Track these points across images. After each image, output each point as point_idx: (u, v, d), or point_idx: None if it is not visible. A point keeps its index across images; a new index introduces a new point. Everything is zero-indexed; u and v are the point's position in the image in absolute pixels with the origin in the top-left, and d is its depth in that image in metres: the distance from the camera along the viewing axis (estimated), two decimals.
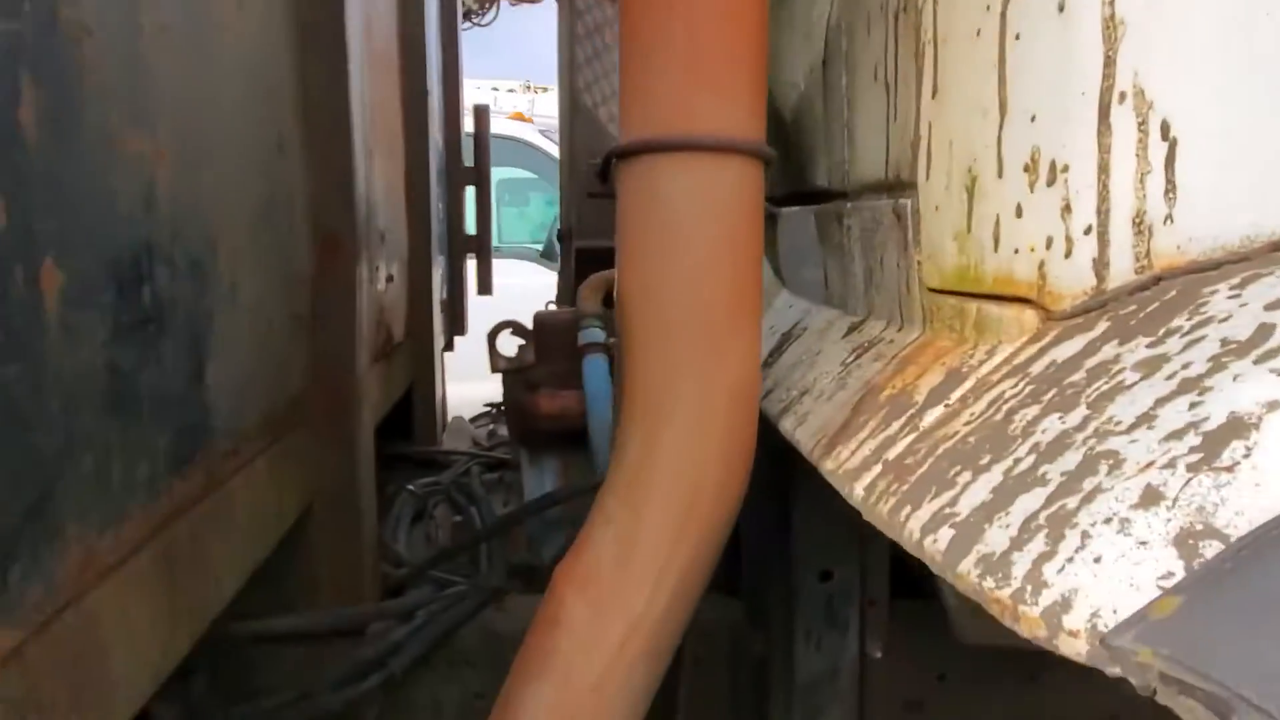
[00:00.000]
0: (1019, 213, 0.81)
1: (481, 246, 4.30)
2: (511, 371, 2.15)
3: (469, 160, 3.97)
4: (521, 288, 5.81)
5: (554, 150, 7.11)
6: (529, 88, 10.85)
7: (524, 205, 8.48)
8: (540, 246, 7.45)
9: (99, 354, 0.82)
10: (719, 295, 1.02)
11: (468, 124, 4.05)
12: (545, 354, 2.18)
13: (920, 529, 0.68)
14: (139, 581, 0.92)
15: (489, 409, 4.04)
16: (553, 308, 3.37)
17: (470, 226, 4.15)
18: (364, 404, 1.73)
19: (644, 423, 1.03)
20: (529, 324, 2.25)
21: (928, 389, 0.88)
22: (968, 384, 0.83)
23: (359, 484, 1.70)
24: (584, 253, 3.06)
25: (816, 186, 1.36)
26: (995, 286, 0.85)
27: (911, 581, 1.80)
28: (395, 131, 2.68)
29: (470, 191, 4.06)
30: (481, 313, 4.14)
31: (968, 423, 0.76)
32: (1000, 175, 0.83)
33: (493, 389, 4.45)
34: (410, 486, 2.51)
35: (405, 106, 2.82)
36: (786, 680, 1.77)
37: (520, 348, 2.25)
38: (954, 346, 0.92)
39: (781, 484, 1.71)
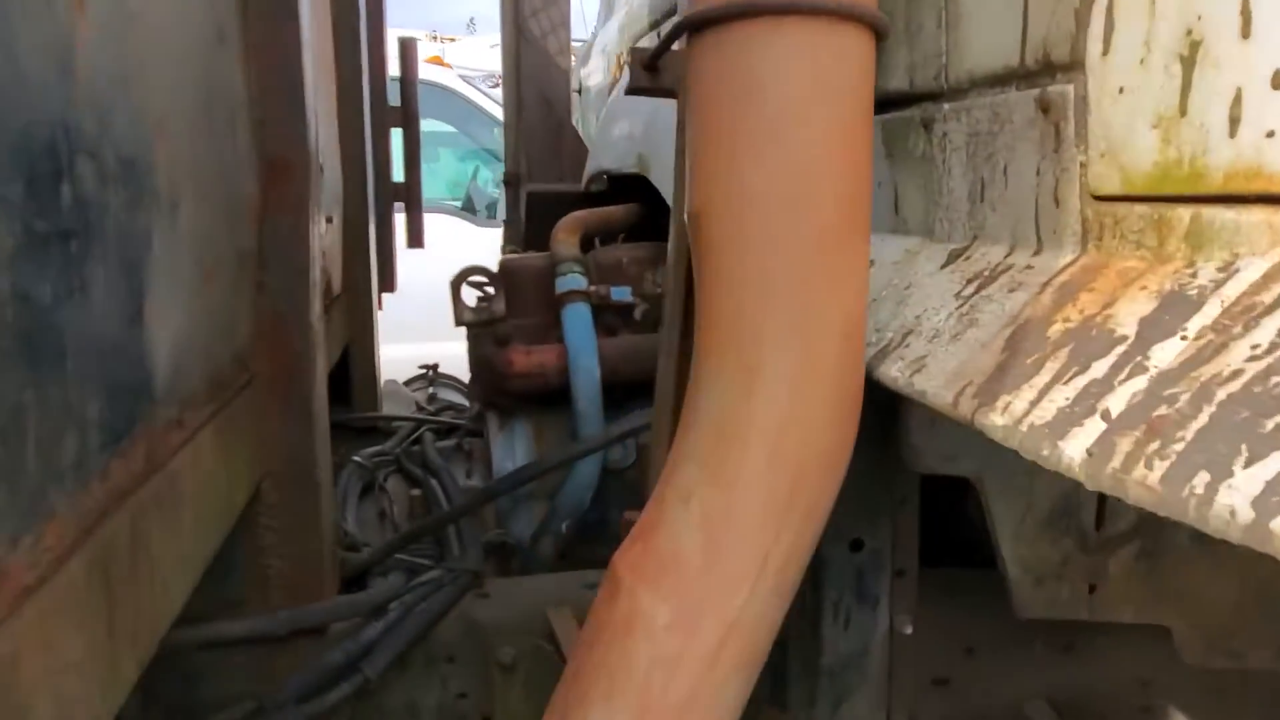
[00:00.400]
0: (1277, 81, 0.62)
1: (411, 195, 3.97)
2: (478, 325, 1.89)
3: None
4: (446, 243, 5.49)
5: (477, 97, 6.73)
6: (435, 38, 10.34)
7: (433, 161, 8.07)
8: (459, 202, 7.10)
9: (1, 275, 0.55)
10: (831, 201, 0.80)
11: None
12: (516, 305, 1.92)
13: (1253, 505, 0.48)
14: (68, 603, 0.65)
15: (425, 371, 3.74)
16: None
17: (398, 173, 3.82)
18: (318, 361, 1.45)
19: (733, 371, 0.81)
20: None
21: (1135, 319, 0.68)
22: (1211, 310, 0.63)
23: (315, 457, 1.43)
24: (537, 198, 2.79)
25: (885, 92, 1.15)
26: (1229, 184, 0.66)
27: (934, 549, 1.64)
28: (329, 62, 2.35)
29: (397, 135, 3.73)
30: (408, 269, 3.84)
31: (1253, 358, 0.56)
32: (1247, 34, 0.63)
33: (425, 350, 4.16)
34: (356, 457, 2.23)
35: (337, 36, 2.49)
36: (810, 662, 1.59)
37: (480, 299, 1.99)
38: (1150, 266, 0.72)
39: None
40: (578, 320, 1.83)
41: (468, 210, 6.93)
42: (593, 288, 1.89)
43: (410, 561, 1.79)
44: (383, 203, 3.68)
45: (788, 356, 0.80)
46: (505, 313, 1.92)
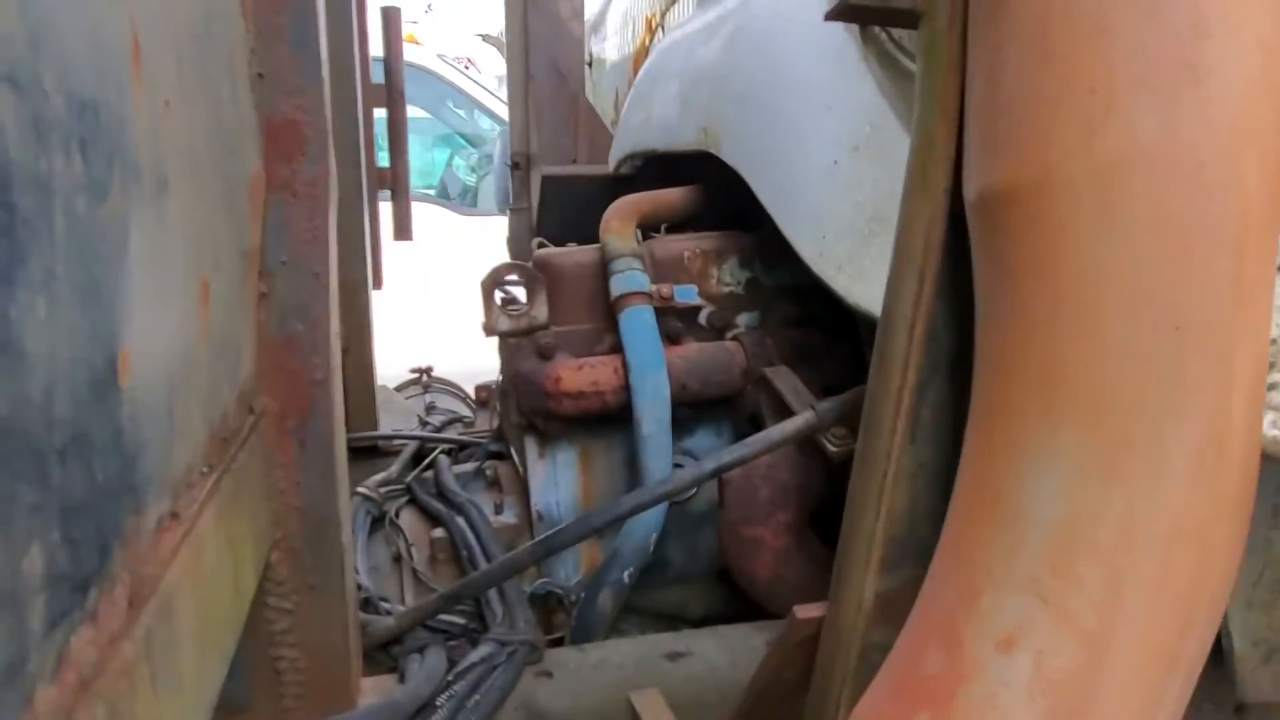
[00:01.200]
0: None
1: (398, 182, 3.60)
2: (517, 334, 1.57)
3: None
4: (426, 232, 5.12)
5: (456, 77, 6.36)
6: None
7: None
8: (432, 190, 6.72)
9: None
10: (1257, 167, 0.50)
11: None
12: (560, 309, 1.60)
13: None
14: None
15: (416, 375, 3.40)
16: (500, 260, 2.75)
17: (383, 158, 3.46)
18: (337, 390, 1.12)
19: (1087, 447, 0.50)
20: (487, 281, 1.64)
21: None
22: None
23: (337, 514, 1.10)
24: (554, 183, 2.46)
25: None
26: None
27: None
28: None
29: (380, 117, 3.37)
30: (392, 263, 3.49)
31: None
32: None
33: (415, 355, 3.81)
34: (361, 489, 1.89)
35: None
36: None
37: (507, 304, 1.66)
38: None
39: None
40: (641, 326, 1.51)
41: (443, 197, 6.56)
42: (654, 287, 1.57)
43: (442, 624, 1.46)
44: (370, 190, 3.33)
45: (1188, 426, 0.49)
46: (548, 319, 1.59)
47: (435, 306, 5.17)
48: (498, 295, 1.70)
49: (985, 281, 0.56)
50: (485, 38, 9.19)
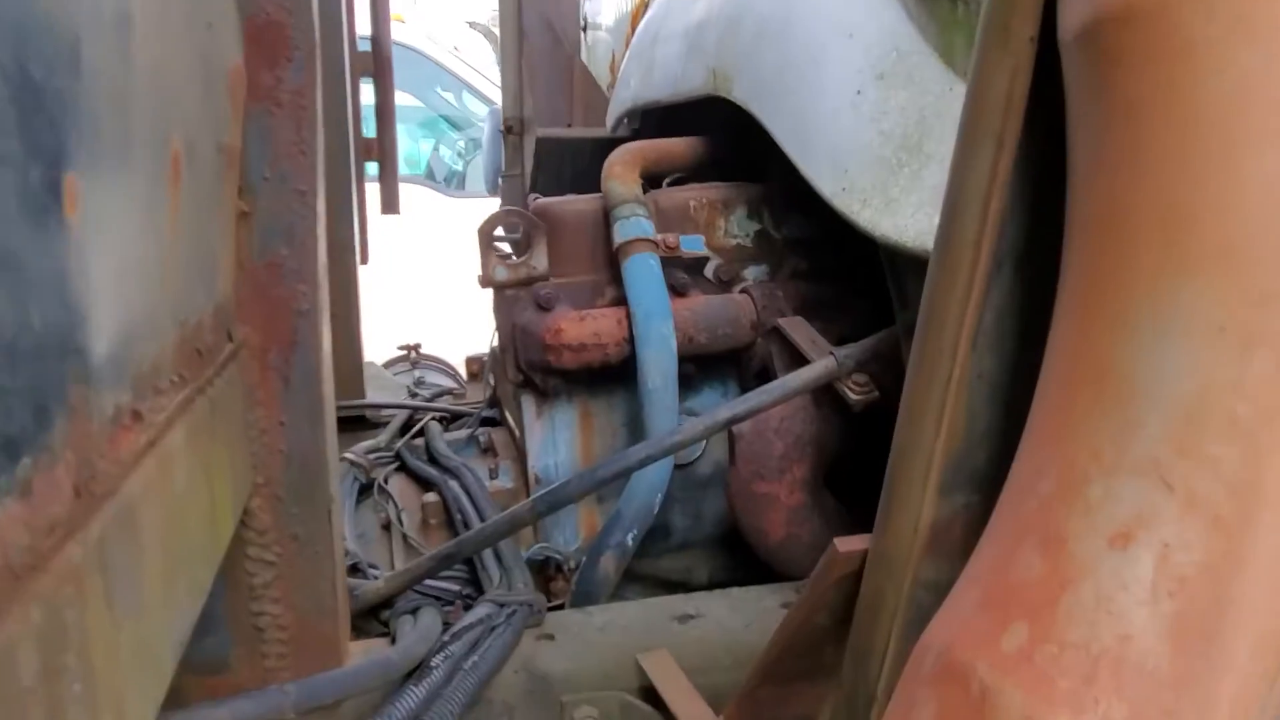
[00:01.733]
0: None
1: (385, 153, 3.51)
2: (515, 284, 1.48)
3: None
4: (414, 211, 5.02)
5: (445, 58, 6.25)
6: None
7: None
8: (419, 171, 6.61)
9: None
10: None
11: None
12: (560, 260, 1.52)
13: None
14: None
15: (405, 351, 3.30)
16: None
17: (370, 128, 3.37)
18: (325, 326, 1.04)
19: (1235, 280, 0.43)
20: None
21: None
22: None
23: (325, 460, 1.01)
24: (549, 145, 2.37)
25: None
26: None
27: None
28: None
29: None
30: (379, 241, 3.40)
31: None
32: None
33: (403, 333, 3.71)
34: (349, 454, 1.80)
35: None
36: None
37: (503, 257, 1.57)
38: None
39: None
40: (647, 275, 1.43)
41: (430, 178, 6.45)
42: (659, 236, 1.49)
43: (435, 590, 1.38)
44: (356, 161, 3.24)
45: None
46: (548, 269, 1.50)
47: (423, 285, 5.08)
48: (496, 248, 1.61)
49: (1090, 127, 0.48)
50: (474, 25, 9.09)
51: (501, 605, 1.22)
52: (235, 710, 0.87)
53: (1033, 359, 0.70)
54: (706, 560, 1.67)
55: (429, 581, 1.33)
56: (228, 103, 0.80)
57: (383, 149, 3.51)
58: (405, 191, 5.97)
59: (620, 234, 1.46)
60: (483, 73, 6.41)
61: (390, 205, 3.63)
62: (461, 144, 6.99)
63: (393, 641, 1.17)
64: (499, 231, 1.59)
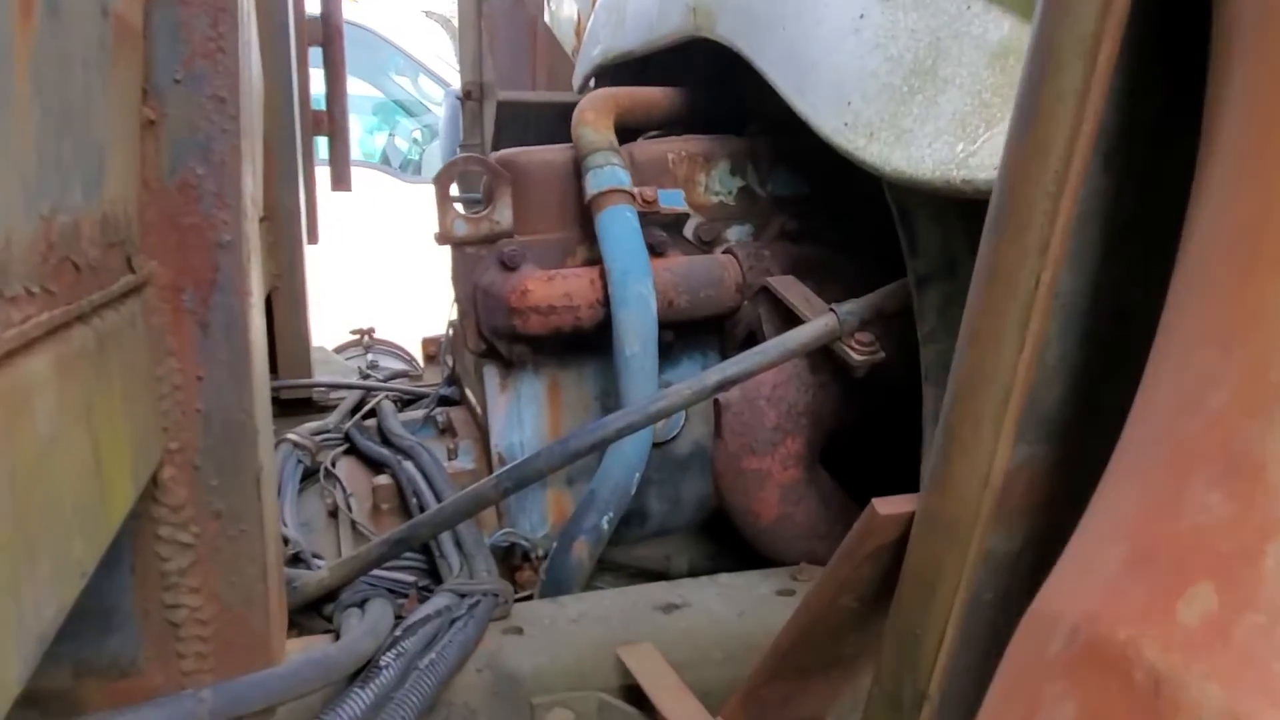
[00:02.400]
0: None
1: (335, 127, 3.32)
2: (475, 241, 1.33)
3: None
4: (368, 196, 4.82)
5: (401, 40, 6.06)
6: None
7: None
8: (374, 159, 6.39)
9: None
10: None
11: None
12: (527, 216, 1.37)
13: None
14: None
15: (358, 335, 3.12)
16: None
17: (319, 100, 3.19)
18: (255, 269, 0.88)
19: None
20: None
21: None
22: None
23: (254, 423, 0.86)
24: (511, 109, 2.22)
25: None
26: None
27: None
28: None
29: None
30: (331, 223, 3.23)
31: None
32: None
33: (355, 318, 3.52)
34: (291, 435, 1.64)
35: None
36: None
37: (468, 207, 1.41)
38: None
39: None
40: (624, 228, 1.28)
41: (385, 162, 6.24)
42: (637, 190, 1.35)
43: (387, 581, 1.23)
44: (304, 135, 3.05)
45: None
46: (512, 224, 1.35)
47: (378, 270, 4.88)
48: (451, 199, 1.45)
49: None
50: (430, 15, 8.88)
51: (462, 595, 1.08)
52: (150, 714, 0.71)
53: (1114, 273, 0.57)
54: (686, 547, 1.53)
55: (380, 571, 1.18)
56: None
57: (333, 121, 3.32)
58: (360, 176, 5.76)
59: (593, 184, 1.32)
60: (441, 59, 6.23)
61: (341, 180, 3.45)
62: (418, 132, 6.79)
63: (337, 638, 1.02)
64: (455, 190, 1.44)
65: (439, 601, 1.04)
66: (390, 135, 6.94)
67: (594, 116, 1.38)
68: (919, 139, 0.97)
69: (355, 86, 6.35)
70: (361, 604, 1.07)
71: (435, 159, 5.69)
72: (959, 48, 0.98)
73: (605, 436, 1.07)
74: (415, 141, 6.82)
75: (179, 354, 0.82)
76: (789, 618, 0.74)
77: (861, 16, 1.08)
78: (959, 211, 1.05)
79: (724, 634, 1.08)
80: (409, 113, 6.70)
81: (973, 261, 1.05)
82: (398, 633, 0.98)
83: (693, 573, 1.46)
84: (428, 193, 5.21)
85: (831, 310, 1.13)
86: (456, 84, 6.15)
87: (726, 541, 1.56)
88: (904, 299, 1.14)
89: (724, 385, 1.08)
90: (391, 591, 1.21)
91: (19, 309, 0.47)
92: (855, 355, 1.11)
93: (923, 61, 1.01)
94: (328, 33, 3.23)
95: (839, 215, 1.49)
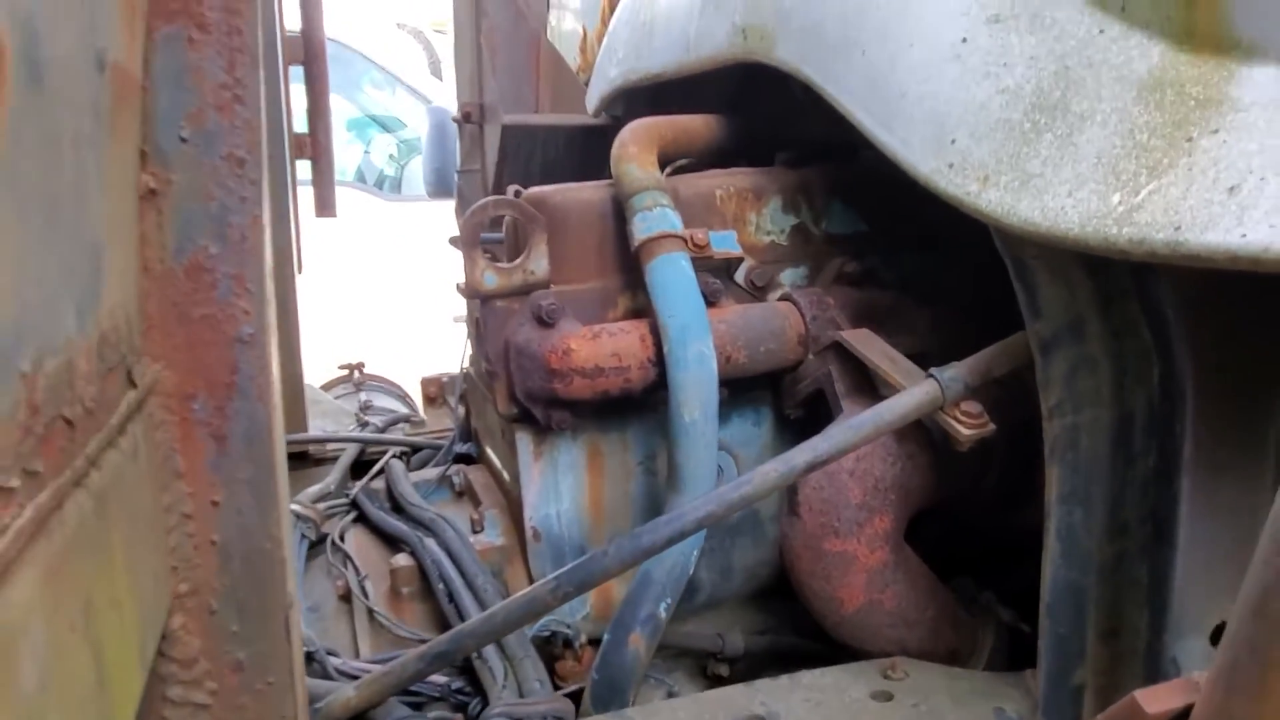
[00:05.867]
0: None
1: (318, 150, 3.15)
2: (508, 294, 1.18)
3: None
4: (348, 217, 4.61)
5: (377, 54, 5.88)
6: None
7: None
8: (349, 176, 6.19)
9: None
10: None
11: None
12: (561, 263, 1.22)
13: None
14: None
15: (347, 371, 2.94)
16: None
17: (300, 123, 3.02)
18: (271, 355, 0.72)
19: None
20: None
21: None
22: None
23: (279, 550, 0.70)
24: (517, 134, 2.06)
25: None
26: None
27: None
28: None
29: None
30: (312, 248, 3.06)
31: None
32: None
33: (342, 351, 3.33)
34: (295, 505, 1.47)
35: None
36: None
37: (485, 259, 1.26)
38: None
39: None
40: (679, 279, 1.13)
41: (362, 181, 6.05)
42: (687, 232, 1.20)
43: (421, 689, 1.07)
44: (288, 158, 2.88)
45: None
46: (550, 273, 1.20)
47: (363, 297, 4.69)
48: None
49: None
50: (402, 26, 8.70)
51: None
52: None
53: None
54: (737, 622, 1.38)
55: (415, 693, 1.02)
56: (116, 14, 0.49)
57: (316, 145, 3.14)
58: (337, 196, 5.51)
59: (641, 229, 1.17)
60: (415, 73, 6.05)
61: (325, 207, 3.27)
62: (394, 148, 6.60)
63: None
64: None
65: None
66: (366, 151, 6.75)
67: (638, 151, 1.23)
68: (1054, 186, 0.83)
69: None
70: None
71: (415, 176, 5.50)
72: (1095, 78, 0.84)
73: (684, 529, 0.92)
74: (392, 158, 6.63)
75: (189, 476, 0.66)
76: None
77: (964, 41, 0.94)
78: (1084, 264, 0.92)
79: None
80: (385, 128, 6.51)
81: (1104, 321, 0.91)
82: None
83: (748, 652, 1.32)
84: (410, 211, 5.04)
85: (931, 377, 0.99)
86: (435, 99, 5.96)
87: (778, 612, 1.41)
88: (1014, 360, 1.00)
89: (814, 466, 0.94)
90: (430, 700, 1.05)
91: (17, 495, 0.32)
92: (963, 429, 0.97)
93: (1048, 94, 0.87)
94: (310, 50, 3.05)
95: (901, 256, 1.35)
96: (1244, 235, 0.66)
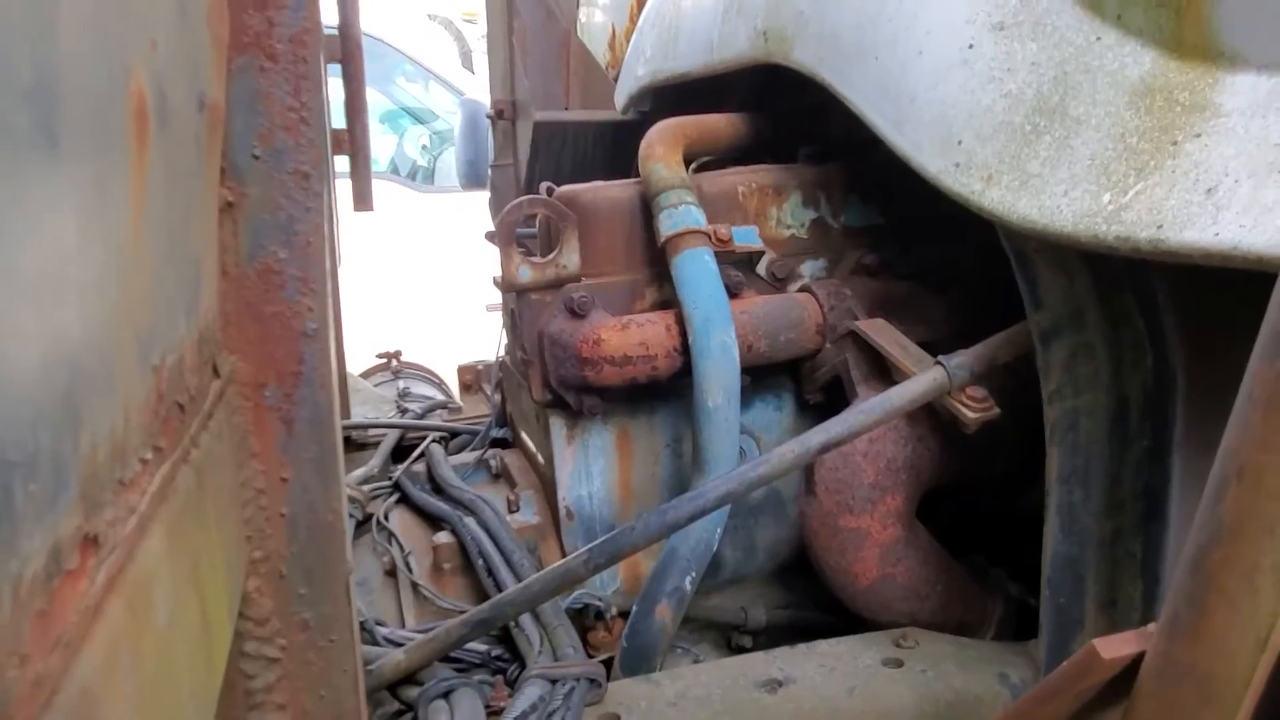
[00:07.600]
0: None
1: (355, 146, 3.24)
2: (542, 287, 1.25)
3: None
4: (382, 209, 4.72)
5: (409, 47, 5.98)
6: None
7: None
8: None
9: None
10: None
11: None
12: (591, 257, 1.29)
13: None
14: None
15: (384, 359, 3.05)
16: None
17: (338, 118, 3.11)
18: (332, 347, 0.80)
19: None
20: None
21: None
22: None
23: (339, 522, 0.78)
24: (549, 130, 2.13)
25: None
26: None
27: None
28: None
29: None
30: (348, 239, 3.16)
31: None
32: None
33: (379, 339, 3.43)
34: None
35: None
36: None
37: (520, 255, 1.33)
38: None
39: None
40: (703, 273, 1.20)
41: (395, 172, 6.16)
42: (710, 228, 1.26)
43: (462, 655, 1.15)
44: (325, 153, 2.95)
45: None
46: (581, 266, 1.27)
47: (398, 287, 4.80)
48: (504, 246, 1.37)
49: None
50: (434, 18, 8.79)
51: (554, 681, 1.00)
52: None
53: None
54: (759, 597, 1.45)
55: (457, 657, 1.11)
56: (206, 36, 0.57)
57: (354, 140, 3.24)
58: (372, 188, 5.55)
59: (668, 225, 1.24)
60: (447, 65, 6.14)
61: (363, 201, 3.37)
62: (426, 139, 6.70)
63: None
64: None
65: (532, 693, 0.97)
66: (399, 143, 6.85)
67: (664, 151, 1.29)
68: (1051, 184, 0.89)
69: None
70: (446, 694, 1.00)
71: (448, 168, 5.59)
72: (1091, 84, 0.90)
73: (705, 506, 0.99)
74: (424, 149, 6.73)
75: (261, 455, 0.74)
76: None
77: (971, 46, 1.00)
78: (1083, 257, 0.97)
79: (836, 715, 1.01)
80: (418, 119, 6.61)
81: (1101, 310, 0.97)
82: None
83: (770, 625, 1.39)
84: (443, 202, 5.11)
85: (939, 364, 1.05)
86: (467, 91, 6.04)
87: (801, 588, 1.48)
88: (1018, 348, 1.06)
89: (828, 447, 1.01)
90: (465, 666, 1.14)
91: (136, 490, 0.40)
92: (968, 413, 1.03)
93: (1048, 98, 0.92)
94: (347, 48, 3.14)
95: (917, 248, 1.41)
96: (1217, 234, 0.71)
